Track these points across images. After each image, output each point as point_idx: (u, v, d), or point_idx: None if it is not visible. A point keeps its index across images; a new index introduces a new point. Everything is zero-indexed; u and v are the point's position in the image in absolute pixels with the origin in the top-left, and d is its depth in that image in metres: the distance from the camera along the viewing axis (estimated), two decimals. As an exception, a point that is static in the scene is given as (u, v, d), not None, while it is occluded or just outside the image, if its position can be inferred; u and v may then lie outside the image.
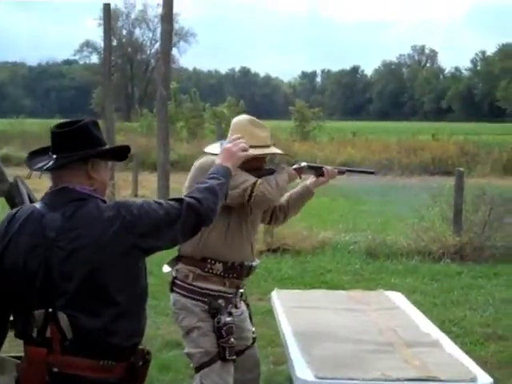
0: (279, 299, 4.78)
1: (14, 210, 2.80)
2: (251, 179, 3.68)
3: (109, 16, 14.87)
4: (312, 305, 4.63)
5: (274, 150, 3.90)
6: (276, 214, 4.16)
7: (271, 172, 3.86)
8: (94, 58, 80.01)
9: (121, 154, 2.89)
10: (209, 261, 3.74)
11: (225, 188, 2.91)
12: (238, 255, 3.80)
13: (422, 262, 9.83)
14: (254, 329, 4.10)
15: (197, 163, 3.84)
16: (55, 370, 2.59)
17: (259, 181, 3.69)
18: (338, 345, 3.78)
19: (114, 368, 2.64)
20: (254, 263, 3.91)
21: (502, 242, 10.06)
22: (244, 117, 3.96)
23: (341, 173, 4.18)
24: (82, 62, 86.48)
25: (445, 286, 8.64)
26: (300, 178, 4.07)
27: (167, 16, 12.82)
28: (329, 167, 4.14)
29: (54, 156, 2.71)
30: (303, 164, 4.08)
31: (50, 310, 2.60)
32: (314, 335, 3.94)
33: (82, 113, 46.80)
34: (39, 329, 2.62)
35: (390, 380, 3.27)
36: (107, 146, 2.81)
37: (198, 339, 3.73)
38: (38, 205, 2.73)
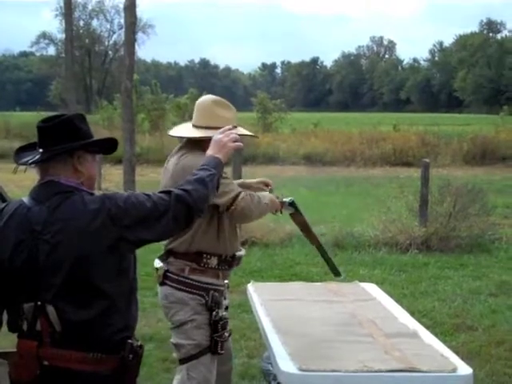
0: (256, 292, 4.78)
1: (3, 205, 2.81)
2: (234, 192, 3.64)
3: (70, 7, 14.72)
4: (289, 297, 4.63)
5: (240, 130, 3.79)
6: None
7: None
8: (51, 50, 79.05)
9: (108, 146, 2.89)
10: (204, 255, 3.73)
11: (215, 179, 2.90)
12: (231, 248, 3.82)
13: (390, 253, 9.93)
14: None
15: (184, 163, 3.70)
16: (46, 363, 2.61)
17: (242, 195, 3.66)
18: (318, 337, 3.79)
19: (104, 361, 2.64)
20: (242, 252, 3.95)
21: (467, 233, 10.19)
22: (208, 97, 3.92)
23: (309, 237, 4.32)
24: (38, 54, 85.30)
25: (413, 276, 8.74)
26: (281, 212, 4.04)
27: (130, 7, 12.72)
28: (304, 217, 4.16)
29: (40, 150, 2.71)
30: (286, 199, 4.02)
31: (39, 303, 2.61)
32: (294, 328, 3.95)
33: (41, 105, 46.23)
34: (29, 322, 2.64)
35: (373, 371, 3.29)
36: (94, 139, 2.81)
37: (190, 331, 3.73)
38: (24, 199, 2.73)
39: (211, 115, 3.77)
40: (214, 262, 3.75)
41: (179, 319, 3.75)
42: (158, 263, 3.89)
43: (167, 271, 3.80)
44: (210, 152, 3.04)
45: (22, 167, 2.78)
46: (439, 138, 27.27)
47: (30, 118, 32.57)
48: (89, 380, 2.64)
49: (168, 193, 2.75)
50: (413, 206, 10.67)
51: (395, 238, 10.19)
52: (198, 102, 3.92)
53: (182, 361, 3.77)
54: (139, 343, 2.80)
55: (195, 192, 2.75)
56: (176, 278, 3.76)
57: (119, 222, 2.62)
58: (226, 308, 3.83)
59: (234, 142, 3.09)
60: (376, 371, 3.29)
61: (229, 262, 3.83)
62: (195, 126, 3.83)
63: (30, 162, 2.71)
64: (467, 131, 29.28)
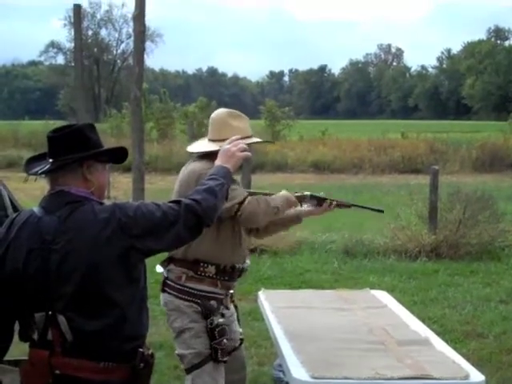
0: (267, 300, 4.79)
1: (14, 215, 2.82)
2: (241, 196, 3.66)
3: (79, 17, 14.75)
4: (300, 304, 4.64)
5: (255, 139, 3.91)
6: (269, 230, 4.13)
7: (268, 194, 3.87)
8: (60, 59, 79.43)
9: (118, 155, 2.90)
10: (201, 264, 3.74)
11: (225, 189, 2.91)
12: (229, 258, 3.80)
13: (399, 261, 9.93)
14: (241, 330, 4.11)
15: (190, 168, 3.79)
16: (57, 372, 2.62)
17: (248, 199, 3.67)
18: (330, 344, 3.80)
19: (115, 370, 2.65)
20: (245, 265, 3.92)
21: (477, 240, 10.17)
22: (222, 110, 3.95)
23: (343, 206, 4.09)
24: (47, 63, 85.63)
25: (423, 284, 8.73)
26: (301, 205, 4.01)
27: (139, 17, 12.71)
28: (331, 200, 4.06)
29: (50, 160, 2.73)
30: (306, 193, 4.02)
31: (50, 312, 2.62)
32: (306, 335, 3.96)
33: (50, 114, 46.36)
34: (40, 331, 2.65)
35: (385, 379, 3.30)
36: (103, 148, 2.82)
37: (190, 340, 3.73)
38: (35, 208, 2.75)
39: (226, 127, 3.81)
40: (211, 270, 3.75)
41: (177, 327, 3.78)
42: (159, 268, 3.91)
43: (166, 278, 3.83)
44: (218, 162, 3.06)
45: (33, 177, 2.80)
46: (448, 145, 27.25)
47: (38, 127, 32.69)
48: None
49: (178, 202, 2.76)
50: (422, 213, 10.66)
51: (405, 246, 10.19)
52: (212, 116, 3.96)
53: (187, 371, 3.78)
54: (150, 352, 2.81)
55: (204, 201, 2.76)
56: (174, 285, 3.78)
57: (129, 231, 2.63)
58: (223, 315, 3.78)
59: (243, 151, 3.11)
60: (388, 379, 3.29)
61: (228, 272, 3.81)
62: (211, 140, 3.87)
63: (40, 171, 2.73)
64: (476, 138, 29.22)
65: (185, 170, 3.84)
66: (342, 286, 7.81)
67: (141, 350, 2.73)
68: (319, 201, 4.05)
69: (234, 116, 3.87)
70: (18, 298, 2.67)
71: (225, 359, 3.76)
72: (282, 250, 10.35)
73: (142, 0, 12.65)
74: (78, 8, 14.34)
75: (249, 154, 3.17)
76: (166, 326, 6.85)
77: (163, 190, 18.07)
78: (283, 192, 3.92)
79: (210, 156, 3.76)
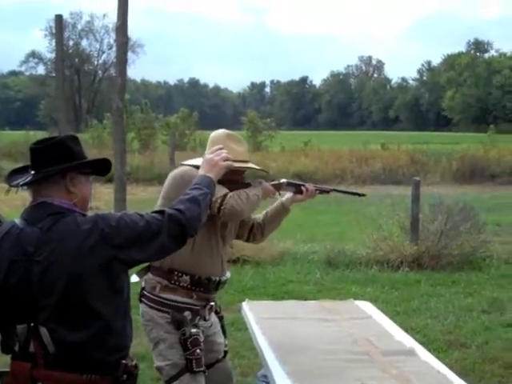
0: (251, 310, 4.78)
1: (1, 228, 2.79)
2: (221, 192, 3.66)
3: (61, 27, 14.70)
4: (284, 315, 4.63)
5: (252, 165, 3.90)
6: (253, 232, 4.13)
7: (246, 186, 3.87)
8: (41, 69, 79.14)
9: (101, 167, 2.89)
10: (176, 273, 3.72)
11: (208, 198, 2.93)
12: (204, 269, 3.76)
13: (381, 271, 9.94)
14: (226, 342, 4.09)
15: (176, 173, 3.79)
16: None
17: (229, 194, 3.67)
18: (315, 355, 3.79)
19: (98, 382, 2.64)
20: (223, 278, 3.87)
21: (459, 250, 10.22)
22: (222, 131, 3.94)
23: (324, 192, 4.12)
24: (27, 74, 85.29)
25: (405, 294, 8.75)
26: (279, 194, 4.03)
27: (122, 27, 12.71)
28: (309, 186, 4.08)
29: (32, 172, 2.72)
30: (282, 180, 4.04)
31: (32, 324, 2.61)
32: (291, 346, 3.95)
33: (30, 125, 46.09)
34: (22, 343, 2.63)
35: (371, 389, 3.30)
36: (86, 160, 2.81)
37: (165, 351, 3.71)
38: (17, 220, 2.73)
39: (230, 151, 3.79)
40: (186, 280, 3.73)
41: (154, 337, 3.75)
42: (134, 278, 3.88)
43: (143, 289, 3.82)
44: (201, 171, 3.08)
45: (14, 189, 2.78)
46: (428, 157, 27.41)
47: (19, 137, 32.55)
48: None
49: (161, 212, 2.76)
50: (404, 224, 10.70)
51: (387, 256, 10.21)
52: (211, 136, 3.96)
53: (166, 383, 3.76)
54: (134, 363, 2.79)
55: (188, 211, 2.76)
56: (149, 295, 3.77)
57: (112, 241, 2.62)
58: (196, 325, 3.73)
59: (225, 160, 3.13)
60: (374, 389, 3.29)
61: (204, 284, 3.77)
62: None
63: (22, 183, 2.72)
64: (456, 150, 29.41)
65: (171, 173, 3.83)
66: (324, 296, 7.81)
67: (124, 361, 2.71)
68: (297, 187, 4.06)
69: (233, 138, 3.87)
70: (0, 310, 2.65)
71: (202, 369, 3.72)
72: (265, 261, 10.35)
73: (125, 11, 12.65)
74: (59, 18, 14.30)
75: (232, 163, 3.20)
76: (149, 336, 6.89)
77: (145, 200, 18.01)
78: (259, 180, 3.94)
79: None
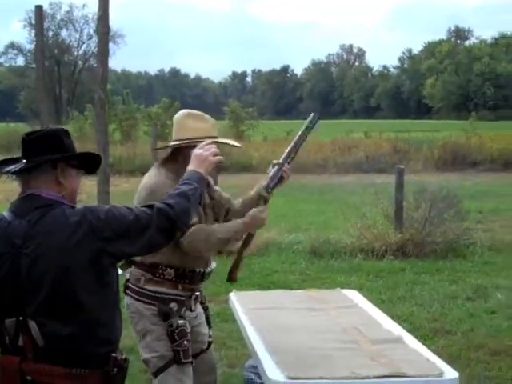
0: (238, 301, 4.78)
1: None
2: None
3: (41, 18, 14.58)
4: (272, 305, 4.64)
5: (220, 140, 3.80)
6: (228, 218, 4.03)
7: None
8: (20, 61, 78.57)
9: (91, 162, 2.88)
10: (160, 266, 3.70)
11: (198, 193, 2.91)
12: (189, 262, 3.74)
13: (366, 260, 9.99)
14: (210, 333, 4.09)
15: (146, 184, 3.71)
16: (29, 378, 2.60)
17: (193, 228, 3.55)
18: (304, 344, 3.80)
19: (88, 376, 2.64)
20: (207, 269, 3.85)
21: (442, 238, 10.28)
22: (183, 111, 3.89)
23: (290, 158, 3.96)
24: (7, 65, 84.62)
25: (390, 282, 8.80)
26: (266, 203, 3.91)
27: (103, 17, 12.63)
28: (284, 168, 3.96)
29: (24, 161, 2.72)
30: (265, 194, 3.90)
31: (21, 318, 2.60)
32: (279, 336, 3.96)
33: (10, 117, 45.80)
34: (11, 337, 2.62)
35: (360, 378, 3.31)
36: (80, 152, 2.83)
37: (152, 343, 3.71)
38: (5, 213, 2.72)
39: (184, 128, 3.76)
40: (170, 273, 3.71)
41: (140, 329, 3.75)
42: (120, 270, 3.87)
43: (127, 281, 3.81)
44: (191, 167, 3.06)
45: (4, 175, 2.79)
46: (410, 145, 27.49)
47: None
48: None
49: (150, 206, 2.75)
50: (388, 212, 10.74)
51: (371, 245, 10.25)
52: (174, 118, 3.91)
53: (154, 375, 3.76)
54: (124, 356, 2.80)
55: (177, 206, 2.76)
56: (134, 288, 3.76)
57: (101, 234, 2.61)
58: (182, 317, 3.72)
59: (215, 155, 3.12)
60: (364, 377, 3.31)
61: (189, 276, 3.76)
62: (173, 141, 3.84)
63: (13, 170, 2.71)
64: (438, 137, 29.52)
65: (143, 180, 3.76)
66: (310, 286, 7.83)
67: (114, 354, 2.71)
68: (279, 180, 3.97)
69: (194, 116, 3.80)
70: None
71: (189, 360, 3.73)
72: (250, 252, 10.33)
73: (106, 1, 12.57)
74: (39, 9, 14.17)
75: (221, 157, 3.17)
76: (136, 328, 6.88)
77: (128, 192, 17.90)
78: (239, 221, 3.76)
79: (176, 157, 3.75)
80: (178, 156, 3.71)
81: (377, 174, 23.10)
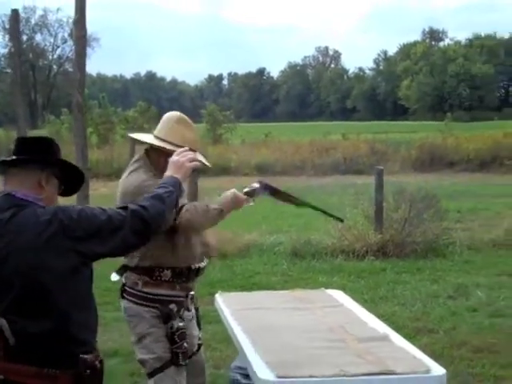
0: (224, 302, 4.79)
1: None
2: (180, 203, 3.61)
3: (17, 22, 14.52)
4: (258, 306, 4.65)
5: (198, 156, 3.77)
6: None
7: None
8: (-7, 65, 77.86)
9: (71, 184, 2.93)
10: (157, 269, 3.73)
11: (173, 196, 2.95)
12: (185, 261, 3.79)
13: (347, 261, 10.05)
14: (200, 334, 4.11)
15: (126, 182, 3.74)
16: (1, 377, 2.61)
17: (186, 206, 3.66)
18: (292, 343, 3.82)
19: (59, 377, 2.65)
20: (201, 264, 3.91)
21: (422, 238, 10.35)
22: (176, 113, 3.93)
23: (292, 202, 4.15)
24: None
25: (371, 282, 8.86)
26: (253, 200, 3.91)
27: (80, 21, 12.60)
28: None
29: (14, 157, 2.78)
30: (255, 184, 3.91)
31: None
32: (267, 336, 3.97)
33: (-15, 121, 45.43)
34: None
35: (349, 376, 3.32)
36: (69, 162, 2.89)
37: (150, 345, 3.73)
38: None
39: (174, 131, 3.80)
40: (167, 274, 3.74)
41: (139, 332, 3.76)
42: (114, 277, 3.88)
43: (124, 285, 3.83)
44: (168, 173, 3.10)
45: None
46: (388, 146, 27.69)
47: (-26, 134, 32.04)
48: None
49: (125, 208, 2.78)
50: (368, 213, 10.80)
51: (352, 246, 10.32)
52: (165, 115, 3.95)
53: (149, 375, 3.78)
54: (99, 358, 2.81)
55: (152, 208, 2.78)
56: (131, 291, 3.78)
57: (72, 233, 2.64)
58: (182, 318, 3.77)
59: (192, 161, 3.17)
60: (353, 375, 3.32)
61: (185, 274, 3.80)
62: (157, 137, 3.85)
63: (2, 159, 2.77)
64: (414, 138, 29.73)
65: (122, 183, 3.79)
66: (292, 286, 7.84)
67: (86, 356, 2.71)
68: (272, 189, 3.98)
69: (184, 123, 3.84)
70: None
71: (186, 362, 3.77)
72: (231, 253, 10.37)
73: (83, 4, 12.53)
74: (15, 13, 14.11)
75: (198, 163, 3.25)
76: (120, 332, 6.89)
77: (106, 195, 17.85)
78: (231, 190, 3.85)
79: (153, 156, 3.79)
80: (160, 157, 3.72)
81: (355, 175, 23.24)
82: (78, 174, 2.95)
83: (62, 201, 2.94)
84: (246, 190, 3.88)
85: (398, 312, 7.50)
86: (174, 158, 3.17)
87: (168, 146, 3.70)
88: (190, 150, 3.68)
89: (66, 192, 2.95)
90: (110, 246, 2.72)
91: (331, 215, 4.26)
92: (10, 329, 2.59)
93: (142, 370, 5.41)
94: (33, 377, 2.60)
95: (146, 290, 3.74)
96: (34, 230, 2.61)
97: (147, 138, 3.92)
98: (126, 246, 2.80)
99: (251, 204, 3.94)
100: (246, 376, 4.81)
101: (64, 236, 2.62)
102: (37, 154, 2.76)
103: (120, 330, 6.91)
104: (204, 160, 3.98)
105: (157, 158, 3.75)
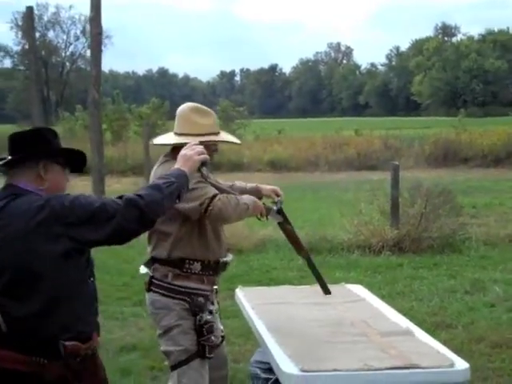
0: (245, 297, 4.81)
1: None
2: (210, 193, 3.69)
3: (32, 19, 14.59)
4: (279, 300, 4.67)
5: (220, 137, 3.90)
6: None
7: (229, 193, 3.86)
8: (7, 63, 78.25)
9: (76, 160, 2.98)
10: (187, 261, 3.76)
11: (174, 187, 2.94)
12: (214, 254, 3.83)
13: (363, 256, 10.03)
14: (222, 327, 4.13)
15: (155, 175, 3.78)
16: None
17: (219, 196, 3.69)
18: (314, 338, 3.83)
19: (47, 366, 2.69)
20: (228, 259, 3.97)
21: (439, 233, 10.33)
22: (187, 105, 3.95)
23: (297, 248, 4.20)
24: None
25: (388, 278, 8.84)
26: (267, 218, 4.00)
27: (96, 18, 12.66)
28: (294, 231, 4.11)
29: (9, 157, 2.84)
30: (274, 207, 3.99)
31: None
32: (289, 330, 3.99)
33: (0, 119, 45.64)
34: None
35: (373, 370, 3.33)
36: (61, 148, 2.94)
37: (177, 337, 3.75)
38: None
39: (189, 122, 3.84)
40: (197, 267, 3.78)
41: (166, 324, 3.78)
42: (143, 269, 3.92)
43: (152, 277, 3.84)
44: (176, 166, 3.13)
45: None
46: (401, 141, 27.59)
47: (-12, 132, 32.16)
48: (35, 382, 2.69)
49: (120, 197, 2.82)
50: (384, 208, 10.78)
51: (368, 241, 10.29)
52: (177, 111, 3.97)
53: (173, 367, 3.80)
54: (91, 347, 2.84)
55: (148, 196, 2.80)
56: (160, 284, 3.80)
57: (64, 219, 2.68)
58: (211, 312, 3.82)
59: (200, 155, 3.17)
60: (377, 369, 3.33)
61: (213, 267, 3.85)
62: (176, 134, 3.90)
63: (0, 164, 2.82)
64: (428, 134, 29.62)
65: (152, 175, 3.85)
66: (309, 282, 7.82)
67: (67, 342, 2.72)
68: (285, 220, 4.04)
69: (198, 111, 3.87)
70: None
71: (211, 355, 3.79)
72: (247, 249, 10.38)
73: (98, 2, 12.59)
74: (29, 11, 14.19)
75: (206, 156, 3.22)
76: (138, 327, 6.92)
77: (120, 191, 17.86)
78: (252, 197, 3.91)
79: (175, 152, 3.79)
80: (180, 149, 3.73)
81: (368, 171, 23.18)
82: (78, 154, 2.98)
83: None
84: (270, 206, 3.97)
85: (416, 307, 7.49)
86: (182, 151, 3.20)
87: (188, 140, 3.69)
88: (213, 134, 3.79)
89: (74, 169, 3.00)
90: (104, 234, 2.73)
91: (322, 284, 4.25)
92: (3, 314, 2.65)
93: (161, 364, 5.50)
94: (22, 363, 2.66)
95: (175, 282, 3.77)
96: (25, 216, 2.67)
97: (168, 138, 3.95)
98: (121, 234, 2.80)
99: (264, 219, 4.03)
100: (266, 370, 4.83)
101: (55, 221, 2.67)
102: (30, 148, 2.81)
103: (138, 325, 6.95)
104: (233, 138, 4.06)
105: None
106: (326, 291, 4.27)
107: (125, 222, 2.73)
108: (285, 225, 4.08)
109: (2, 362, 2.65)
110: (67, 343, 2.71)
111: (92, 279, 2.91)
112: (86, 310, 2.85)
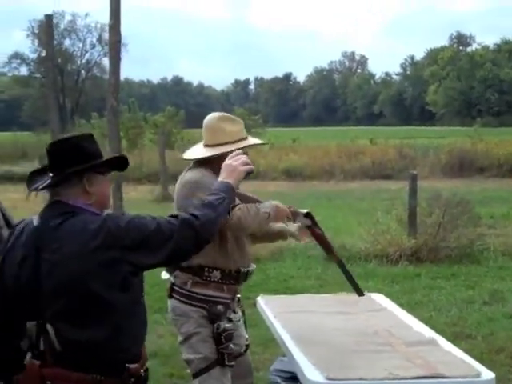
0: (267, 305, 4.83)
1: (17, 222, 2.90)
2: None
3: (51, 27, 14.67)
4: (302, 309, 4.68)
5: (250, 141, 3.92)
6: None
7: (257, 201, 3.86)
8: (24, 70, 78.63)
9: (118, 163, 2.94)
10: (206, 269, 3.77)
11: (226, 203, 2.91)
12: (234, 263, 3.83)
13: (380, 265, 10.00)
14: (247, 336, 4.14)
15: (185, 179, 3.81)
16: (48, 382, 2.64)
17: (239, 206, 3.69)
18: (338, 346, 3.84)
19: (103, 382, 2.65)
20: (250, 268, 3.96)
21: (456, 243, 10.29)
22: (214, 115, 3.96)
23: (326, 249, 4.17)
24: (10, 75, 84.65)
25: (406, 287, 8.82)
26: (294, 221, 3.98)
27: (115, 26, 12.72)
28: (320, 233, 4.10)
29: (51, 174, 2.77)
30: (303, 211, 3.98)
31: (41, 321, 2.65)
32: (313, 338, 4.00)
33: (17, 126, 45.91)
34: (33, 341, 2.67)
35: (399, 379, 3.34)
36: (103, 159, 2.85)
37: (196, 345, 3.76)
38: (34, 217, 2.78)
39: (218, 131, 3.84)
40: (216, 275, 3.78)
41: (185, 331, 3.79)
42: (164, 275, 3.93)
43: (173, 284, 3.86)
44: (220, 178, 3.06)
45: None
46: (416, 151, 27.51)
47: (6, 139, 32.39)
48: None
49: (175, 217, 2.77)
50: (401, 217, 10.76)
51: (385, 250, 10.26)
52: (204, 121, 3.97)
53: (194, 375, 3.80)
54: (145, 367, 2.83)
55: (203, 216, 2.76)
56: (180, 291, 3.81)
57: (120, 242, 2.62)
58: (230, 320, 3.81)
59: (245, 165, 3.12)
60: (402, 378, 3.34)
61: (234, 276, 3.84)
62: (206, 146, 3.90)
63: (41, 187, 2.76)
64: (443, 144, 29.52)
65: (180, 181, 3.85)
66: (327, 291, 7.84)
67: (131, 365, 2.72)
68: (313, 224, 4.03)
69: (226, 120, 3.90)
70: (10, 306, 2.70)
71: (232, 364, 3.79)
72: (264, 257, 10.36)
73: (117, 9, 12.65)
74: (48, 19, 14.27)
75: (252, 167, 3.18)
76: (158, 334, 6.93)
77: (136, 199, 18.00)
78: (274, 201, 3.89)
79: (207, 162, 3.80)
80: (216, 160, 3.73)
81: (383, 180, 23.15)
82: (118, 158, 2.95)
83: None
84: (291, 209, 3.93)
85: (435, 317, 7.47)
86: (227, 161, 3.13)
87: (221, 150, 3.73)
88: (244, 139, 3.81)
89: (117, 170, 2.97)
90: (161, 257, 2.70)
91: (355, 286, 4.19)
92: (57, 335, 2.61)
93: (180, 371, 5.50)
94: (78, 382, 2.63)
95: (194, 289, 3.78)
96: (82, 238, 2.60)
97: (199, 151, 3.93)
98: (176, 256, 2.78)
99: (289, 223, 4.00)
100: (286, 379, 4.85)
101: (112, 244, 2.61)
102: (70, 166, 2.72)
103: (158, 332, 6.96)
104: (260, 141, 4.10)
105: (217, 163, 3.55)
106: (360, 293, 4.22)
107: (180, 243, 2.70)
108: (314, 228, 4.05)
109: (55, 380, 2.62)
110: (131, 366, 2.70)
111: (143, 297, 2.87)
112: (141, 329, 2.83)
